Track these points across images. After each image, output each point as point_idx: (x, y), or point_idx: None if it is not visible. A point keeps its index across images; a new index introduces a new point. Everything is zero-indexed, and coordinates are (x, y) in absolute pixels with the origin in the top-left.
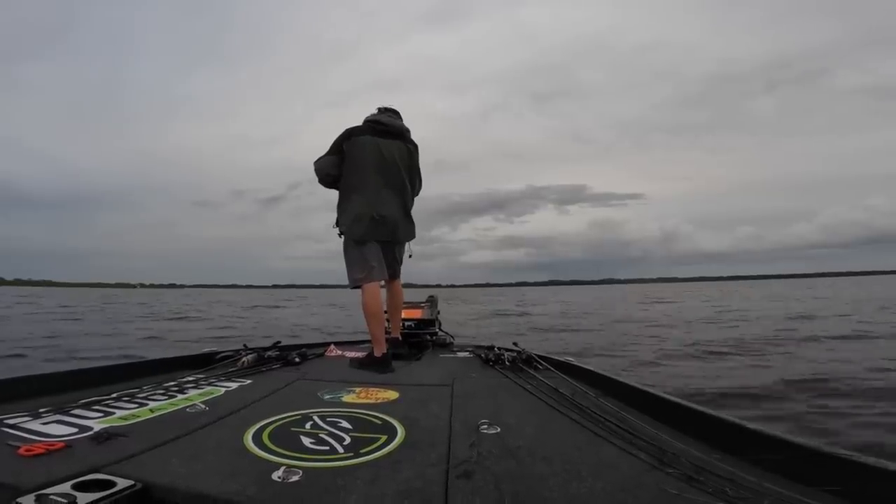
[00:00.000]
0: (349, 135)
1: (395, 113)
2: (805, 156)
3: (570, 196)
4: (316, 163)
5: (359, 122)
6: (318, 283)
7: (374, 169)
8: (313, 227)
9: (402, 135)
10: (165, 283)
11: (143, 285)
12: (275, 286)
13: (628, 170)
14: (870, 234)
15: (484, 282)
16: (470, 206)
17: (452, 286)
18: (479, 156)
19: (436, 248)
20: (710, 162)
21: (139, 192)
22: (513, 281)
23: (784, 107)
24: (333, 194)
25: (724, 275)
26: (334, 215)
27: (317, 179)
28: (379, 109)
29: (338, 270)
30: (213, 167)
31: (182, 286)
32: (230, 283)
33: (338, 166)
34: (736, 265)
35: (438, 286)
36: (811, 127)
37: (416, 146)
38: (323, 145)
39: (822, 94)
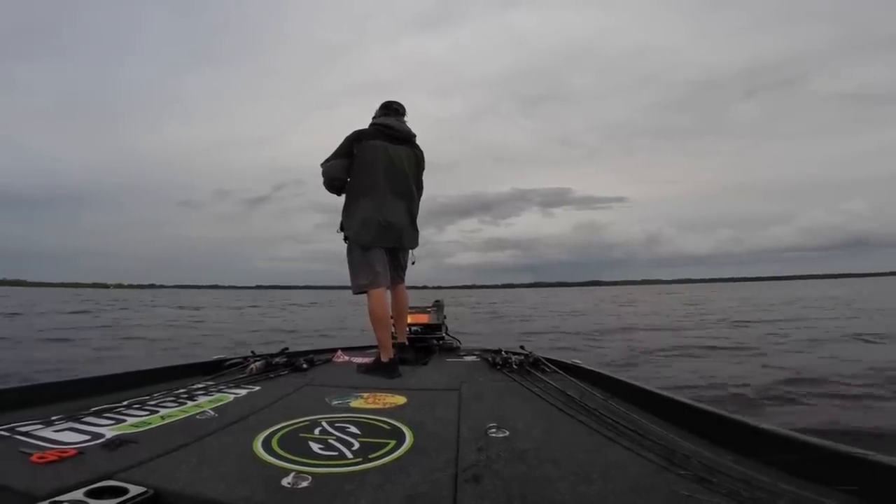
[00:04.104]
0: (359, 137)
1: (401, 108)
2: (785, 160)
3: (554, 199)
4: (323, 165)
5: (350, 122)
6: (302, 284)
7: (382, 174)
8: (298, 228)
9: (409, 140)
10: (145, 283)
11: (120, 285)
12: (258, 287)
13: (612, 173)
14: (847, 238)
15: (470, 283)
16: (456, 207)
17: (439, 287)
18: (466, 158)
19: (423, 249)
20: (692, 166)
21: (126, 192)
22: (499, 283)
23: (764, 112)
24: (321, 197)
25: (707, 277)
26: (321, 217)
27: (322, 182)
28: (383, 106)
29: (323, 271)
30: (200, 167)
31: (162, 286)
32: (212, 283)
33: (347, 170)
34: (717, 267)
35: (425, 287)
36: (791, 132)
37: (422, 153)
38: (312, 146)
39: (801, 99)
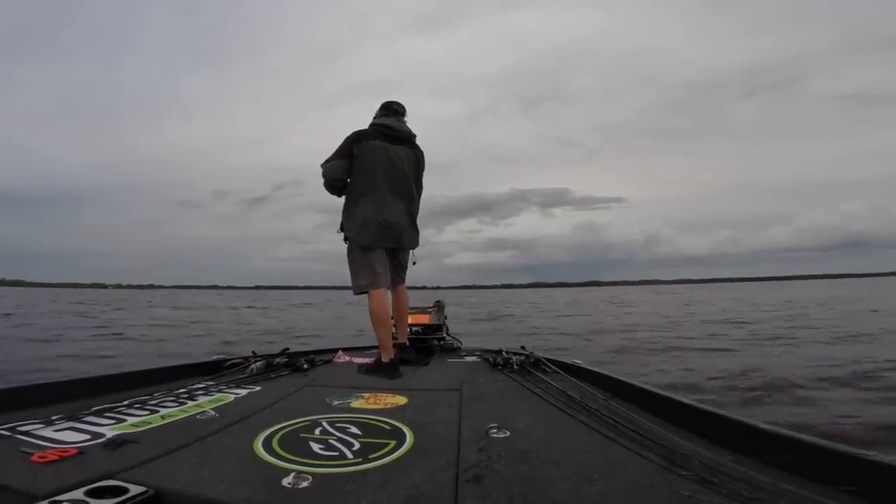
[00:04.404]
0: (359, 138)
1: (401, 109)
2: (784, 161)
3: (554, 199)
4: (324, 165)
5: (350, 122)
6: (302, 285)
7: (382, 174)
8: (298, 229)
9: (409, 140)
10: (144, 283)
11: (119, 286)
12: (258, 287)
13: (612, 174)
14: (847, 238)
15: (470, 283)
16: (455, 208)
17: (438, 287)
18: (465, 158)
19: (422, 249)
20: (691, 166)
21: (126, 192)
22: (498, 283)
23: (764, 113)
24: (321, 197)
25: (706, 277)
26: (320, 217)
27: (322, 183)
28: (383, 107)
29: (323, 271)
30: (200, 167)
31: (161, 287)
32: (211, 283)
33: (347, 171)
34: (717, 268)
35: (425, 287)
36: (791, 132)
37: (422, 153)
38: (312, 146)
39: (801, 100)
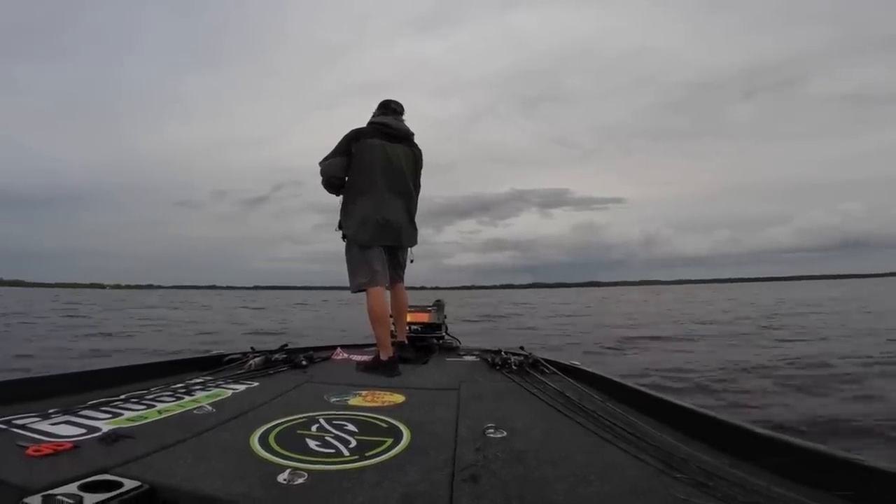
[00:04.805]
0: (357, 136)
1: (399, 107)
2: (784, 161)
3: (553, 199)
4: (322, 163)
5: (350, 122)
6: (300, 285)
7: (381, 172)
8: (297, 229)
9: (407, 139)
10: (143, 283)
11: (118, 286)
12: (256, 287)
13: (611, 174)
14: (846, 238)
15: (469, 284)
16: (455, 208)
17: (437, 288)
18: (465, 159)
19: (421, 250)
20: (691, 167)
21: (126, 192)
22: (498, 283)
23: (763, 113)
24: (319, 197)
25: (705, 277)
26: (319, 217)
27: (321, 181)
28: (381, 105)
29: (322, 272)
30: (200, 167)
31: (160, 287)
32: (210, 283)
33: (345, 169)
34: (716, 268)
35: (423, 288)
36: (790, 132)
37: (420, 151)
38: (312, 146)
39: (800, 100)
